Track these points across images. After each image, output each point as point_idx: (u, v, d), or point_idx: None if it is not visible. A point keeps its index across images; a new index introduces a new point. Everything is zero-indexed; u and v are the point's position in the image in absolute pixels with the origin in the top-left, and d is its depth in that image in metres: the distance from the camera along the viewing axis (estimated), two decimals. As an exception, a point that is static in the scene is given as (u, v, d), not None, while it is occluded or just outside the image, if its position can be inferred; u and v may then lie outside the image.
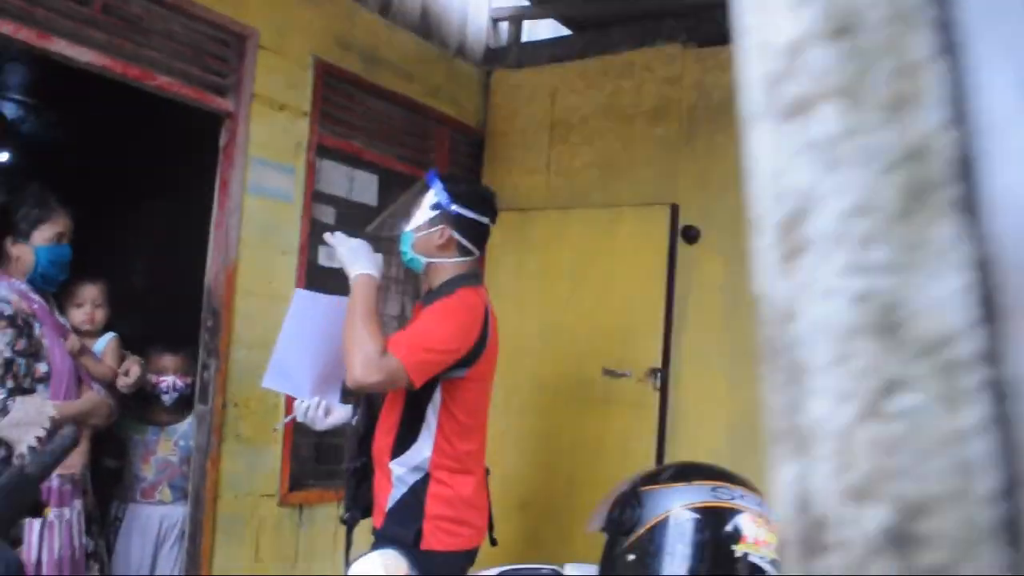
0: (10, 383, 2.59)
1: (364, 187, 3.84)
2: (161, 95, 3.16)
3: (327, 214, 3.68)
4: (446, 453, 2.58)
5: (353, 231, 2.89)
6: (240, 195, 3.33)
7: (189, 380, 3.31)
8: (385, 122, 3.93)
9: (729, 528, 1.43)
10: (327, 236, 2.61)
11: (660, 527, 1.48)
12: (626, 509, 1.55)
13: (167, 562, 3.30)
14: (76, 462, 2.77)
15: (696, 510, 1.47)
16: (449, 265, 2.61)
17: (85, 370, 2.86)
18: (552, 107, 4.09)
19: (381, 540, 2.58)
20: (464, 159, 4.30)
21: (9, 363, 2.59)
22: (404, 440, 2.59)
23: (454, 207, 2.57)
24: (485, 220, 2.63)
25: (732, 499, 1.49)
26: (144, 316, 3.22)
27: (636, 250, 3.71)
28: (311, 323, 2.64)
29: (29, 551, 2.64)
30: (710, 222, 3.61)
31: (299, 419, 2.72)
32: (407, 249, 2.62)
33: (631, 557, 1.48)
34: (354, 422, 2.84)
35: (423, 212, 2.60)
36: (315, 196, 3.63)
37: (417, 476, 2.59)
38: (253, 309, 3.39)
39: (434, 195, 2.57)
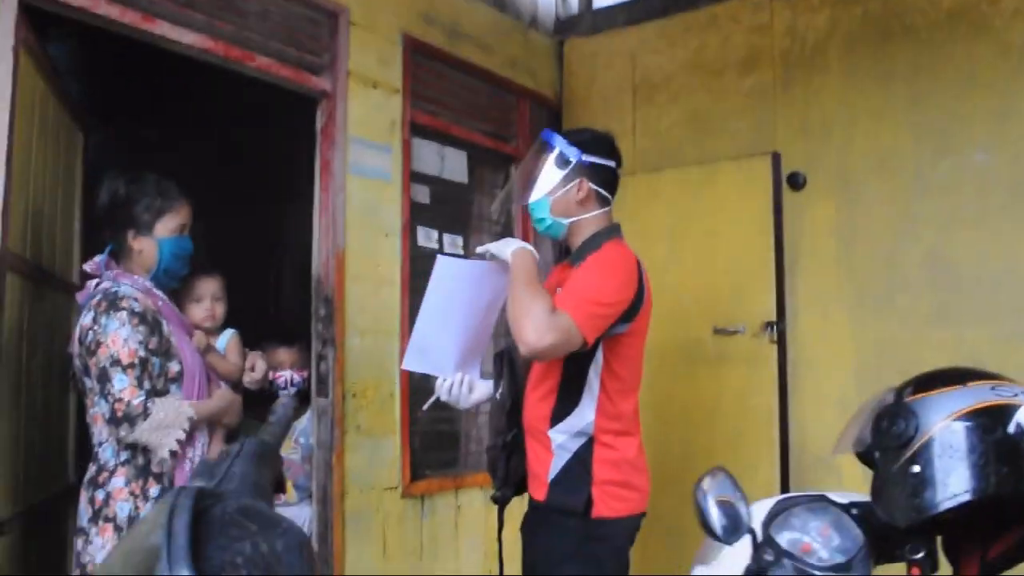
0: (147, 384, 2.47)
1: (455, 165, 3.73)
2: (261, 77, 3.06)
3: (422, 193, 3.57)
4: (609, 414, 2.47)
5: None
6: (343, 176, 3.23)
7: (305, 374, 3.18)
8: (469, 98, 3.83)
9: (1014, 426, 1.36)
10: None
11: (946, 432, 1.40)
12: (897, 421, 1.47)
13: (299, 565, 3.16)
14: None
15: (980, 411, 1.40)
16: (590, 220, 2.51)
17: (211, 368, 2.73)
18: (632, 70, 3.99)
19: (546, 512, 2.46)
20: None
21: (144, 363, 2.46)
22: (564, 405, 2.47)
23: (585, 157, 2.47)
24: (614, 164, 2.54)
25: (1015, 396, 1.41)
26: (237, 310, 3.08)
27: (738, 203, 3.61)
28: (454, 292, 2.51)
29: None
30: (815, 167, 3.51)
31: (443, 399, 2.59)
32: (544, 216, 2.50)
33: (915, 468, 1.40)
34: (498, 395, 2.73)
35: (551, 172, 2.49)
36: (411, 175, 3.52)
37: (580, 441, 2.47)
38: (362, 295, 3.28)
39: (560, 151, 2.46)
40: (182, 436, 2.46)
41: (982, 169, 3.17)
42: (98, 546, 2.38)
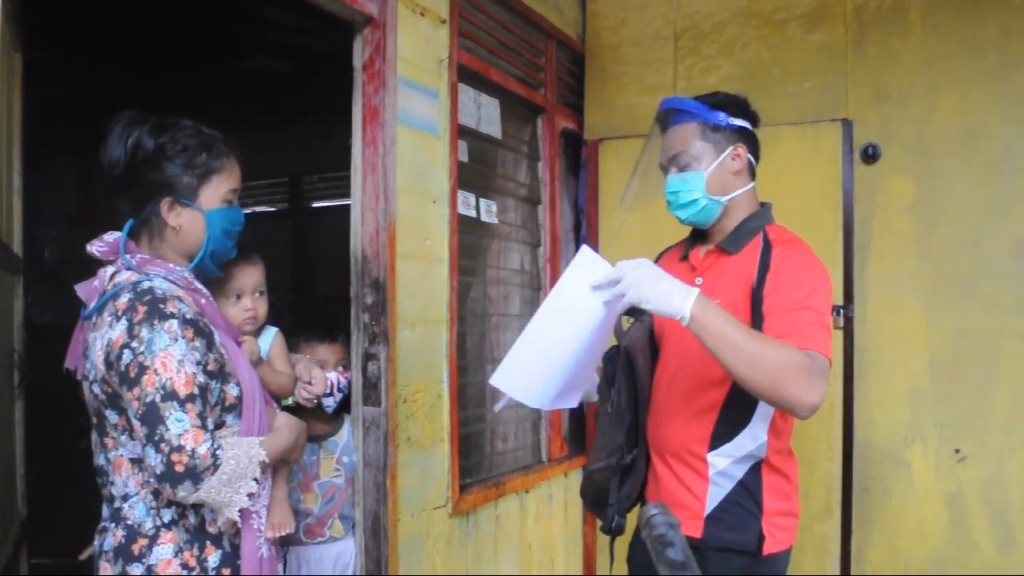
0: (210, 421, 1.77)
1: (490, 115, 3.10)
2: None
3: (460, 150, 2.93)
4: (782, 432, 2.18)
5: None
6: (394, 128, 2.55)
7: (350, 375, 2.51)
8: (503, 35, 3.19)
9: None
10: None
11: None
12: None
13: (350, 613, 2.54)
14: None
15: None
16: (745, 196, 2.14)
17: (264, 385, 2.03)
18: (675, 13, 3.50)
19: (701, 551, 2.05)
20: (566, 79, 3.62)
21: (204, 392, 1.75)
22: (731, 424, 2.12)
23: (733, 120, 2.10)
24: (753, 128, 2.18)
25: None
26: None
27: (800, 174, 3.25)
28: (581, 301, 1.81)
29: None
30: (890, 138, 3.20)
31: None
32: (700, 195, 2.09)
33: None
34: (610, 408, 2.19)
35: (699, 143, 2.08)
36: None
37: (747, 466, 2.15)
38: (412, 277, 2.64)
39: (703, 117, 2.08)
40: (255, 488, 1.81)
41: (1080, 151, 2.98)
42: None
